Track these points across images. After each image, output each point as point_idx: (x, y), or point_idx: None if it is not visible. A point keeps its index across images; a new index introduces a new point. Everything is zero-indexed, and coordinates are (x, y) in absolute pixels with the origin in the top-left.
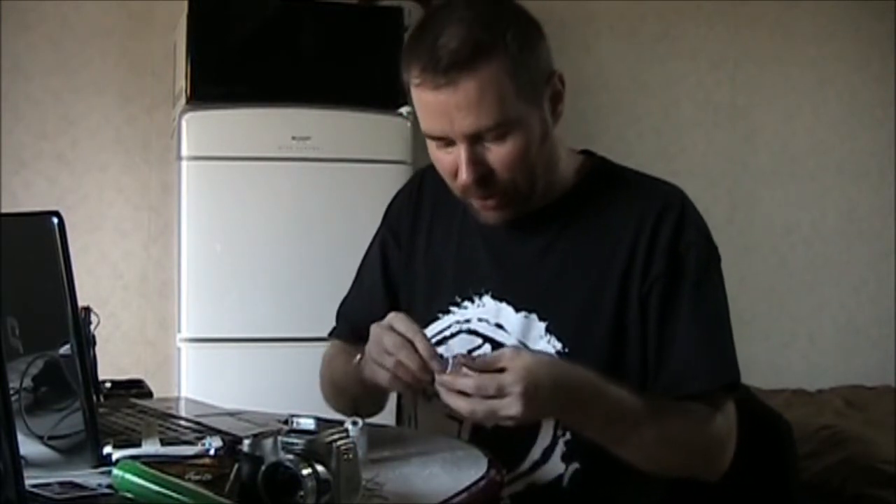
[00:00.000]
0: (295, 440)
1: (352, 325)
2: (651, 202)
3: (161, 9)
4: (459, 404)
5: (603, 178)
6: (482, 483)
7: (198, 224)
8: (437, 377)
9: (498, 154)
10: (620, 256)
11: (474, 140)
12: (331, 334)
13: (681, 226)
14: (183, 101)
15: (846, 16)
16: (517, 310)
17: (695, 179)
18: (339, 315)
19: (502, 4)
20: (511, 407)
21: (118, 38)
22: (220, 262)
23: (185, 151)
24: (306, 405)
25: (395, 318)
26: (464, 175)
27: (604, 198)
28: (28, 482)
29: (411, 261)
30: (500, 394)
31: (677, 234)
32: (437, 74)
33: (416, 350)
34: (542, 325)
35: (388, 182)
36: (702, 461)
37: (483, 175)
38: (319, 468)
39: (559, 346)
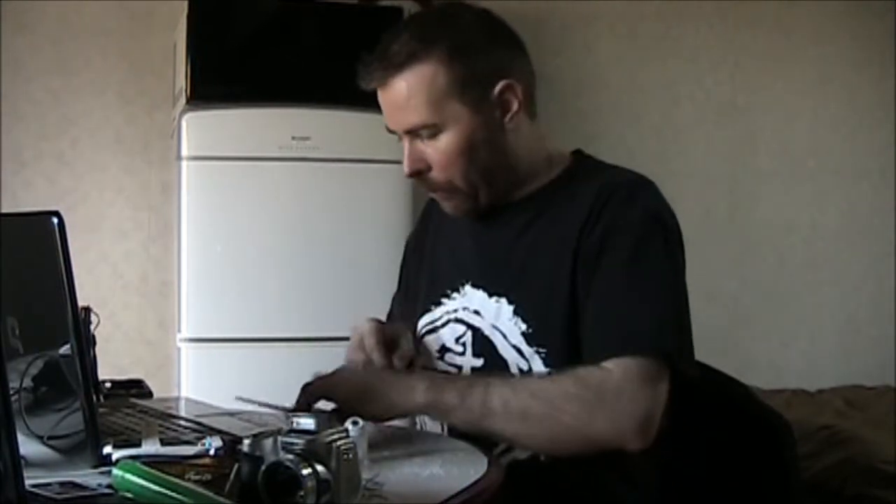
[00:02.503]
0: (295, 440)
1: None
2: (606, 185)
3: (161, 9)
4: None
5: (579, 172)
6: (482, 483)
7: (198, 224)
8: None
9: (431, 152)
10: (573, 237)
11: (412, 136)
12: None
13: (625, 204)
14: (183, 101)
15: (846, 16)
16: (490, 295)
17: (695, 179)
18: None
19: (447, 18)
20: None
21: (118, 38)
22: (220, 262)
23: (185, 151)
24: None
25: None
26: (404, 167)
27: (574, 189)
28: (28, 482)
29: (422, 260)
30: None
31: (619, 212)
32: (374, 76)
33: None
34: (511, 308)
35: (388, 182)
36: (575, 418)
37: (419, 170)
38: (319, 468)
39: (524, 326)
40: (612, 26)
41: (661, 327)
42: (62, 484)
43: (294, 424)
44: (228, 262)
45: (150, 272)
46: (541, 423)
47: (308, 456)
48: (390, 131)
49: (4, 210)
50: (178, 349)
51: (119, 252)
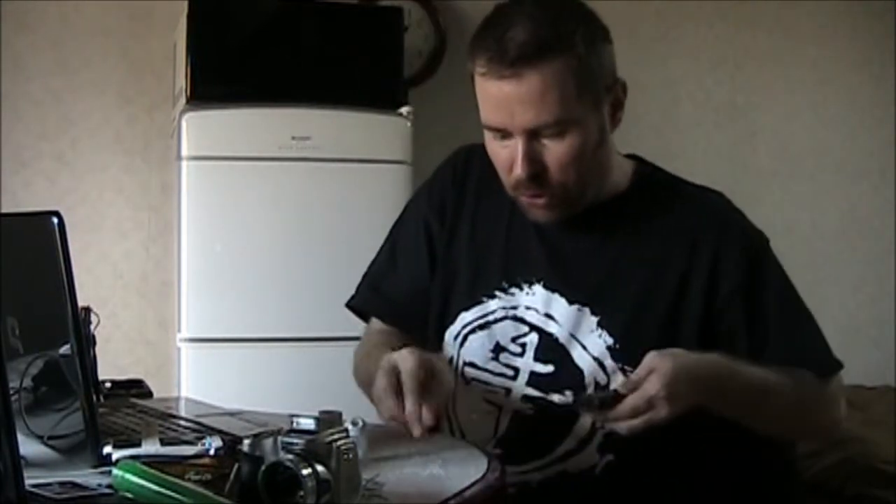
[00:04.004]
0: (295, 440)
1: (394, 308)
2: (707, 212)
3: (161, 9)
4: (618, 427)
5: (654, 184)
6: (482, 483)
7: (198, 224)
8: (596, 416)
9: (554, 152)
10: (679, 261)
11: (532, 135)
12: (353, 304)
13: (745, 234)
14: (183, 101)
15: (846, 16)
16: (570, 302)
17: (695, 179)
18: (375, 291)
19: (573, 5)
20: (660, 411)
21: (118, 38)
22: (220, 262)
23: (185, 151)
24: (306, 405)
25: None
26: (518, 169)
27: (657, 203)
28: (28, 482)
29: (454, 240)
30: (650, 406)
31: (746, 244)
32: (503, 66)
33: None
34: (595, 319)
35: (388, 182)
36: (824, 420)
37: (537, 172)
38: (319, 468)
39: (611, 341)
40: (612, 26)
41: (829, 347)
42: (62, 484)
43: (294, 424)
44: (228, 262)
45: (150, 272)
46: (795, 421)
47: (308, 456)
48: (492, 128)
49: (4, 210)
50: (178, 349)
51: (119, 252)
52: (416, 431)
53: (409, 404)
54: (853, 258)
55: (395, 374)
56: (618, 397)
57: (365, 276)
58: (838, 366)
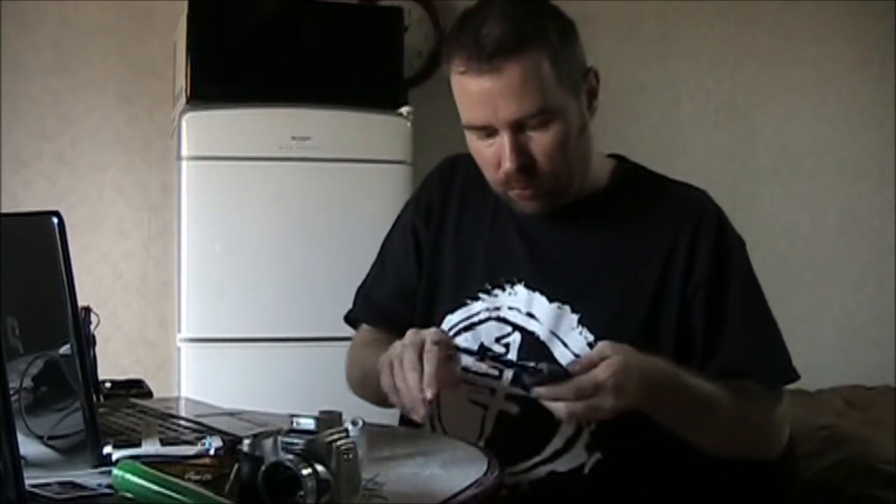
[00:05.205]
0: (295, 440)
1: (382, 310)
2: (687, 208)
3: (161, 9)
4: (558, 408)
5: (636, 181)
6: (482, 483)
7: (198, 224)
8: (535, 390)
9: (540, 142)
10: (658, 258)
11: (517, 128)
12: (349, 316)
13: (720, 231)
14: (183, 101)
15: (846, 16)
16: (550, 300)
17: (695, 179)
18: (366, 298)
19: (540, 1)
20: (605, 401)
21: (118, 38)
22: (220, 262)
23: (185, 151)
24: (306, 405)
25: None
26: (507, 163)
27: (639, 200)
28: (28, 482)
29: (439, 244)
30: (596, 391)
31: (718, 239)
32: (481, 61)
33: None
34: (575, 317)
35: (388, 182)
36: (764, 442)
37: (525, 164)
38: (319, 468)
39: (591, 338)
40: (612, 26)
41: (788, 357)
42: (62, 484)
43: (294, 424)
44: (228, 262)
45: (150, 272)
46: (732, 440)
47: (308, 456)
48: (475, 127)
49: (4, 210)
50: (178, 349)
51: (119, 252)
52: (421, 412)
53: (429, 368)
54: (853, 258)
55: (421, 343)
56: (567, 376)
57: (359, 288)
58: (793, 374)
